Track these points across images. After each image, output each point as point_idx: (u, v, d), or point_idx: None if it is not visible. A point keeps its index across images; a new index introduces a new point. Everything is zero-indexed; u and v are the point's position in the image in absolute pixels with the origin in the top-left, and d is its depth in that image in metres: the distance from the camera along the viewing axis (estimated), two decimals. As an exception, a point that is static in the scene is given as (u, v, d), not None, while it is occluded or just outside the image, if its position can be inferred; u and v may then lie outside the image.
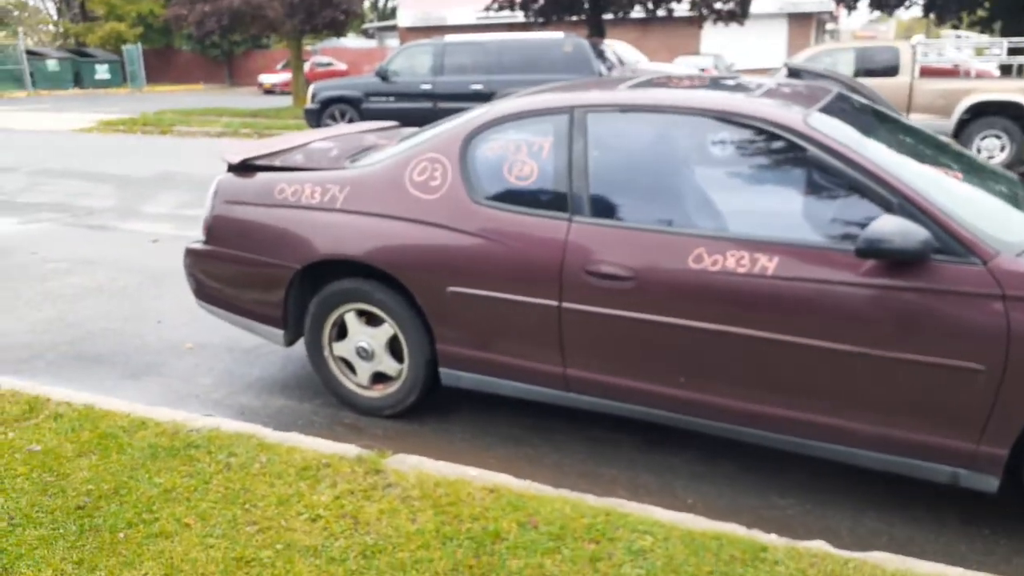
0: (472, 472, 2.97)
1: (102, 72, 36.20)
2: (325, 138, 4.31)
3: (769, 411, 2.82)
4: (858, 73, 10.62)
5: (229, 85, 41.52)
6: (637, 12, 18.00)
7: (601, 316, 2.98)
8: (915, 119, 10.17)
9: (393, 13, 46.09)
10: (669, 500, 2.95)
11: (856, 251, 2.53)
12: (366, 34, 47.51)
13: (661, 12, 18.07)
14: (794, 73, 4.23)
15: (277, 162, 3.80)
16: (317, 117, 13.63)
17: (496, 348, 3.27)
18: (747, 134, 2.92)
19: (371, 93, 13.33)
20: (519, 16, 19.29)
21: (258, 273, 3.63)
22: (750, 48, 28.52)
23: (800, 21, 30.19)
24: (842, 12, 16.85)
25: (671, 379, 2.96)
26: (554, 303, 3.05)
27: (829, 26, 33.34)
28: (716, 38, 28.45)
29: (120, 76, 36.69)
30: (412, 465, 3.00)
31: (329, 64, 35.21)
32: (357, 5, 20.30)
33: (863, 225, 2.56)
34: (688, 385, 2.93)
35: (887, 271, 2.56)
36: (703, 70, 23.73)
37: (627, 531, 2.56)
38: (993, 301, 2.43)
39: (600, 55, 12.88)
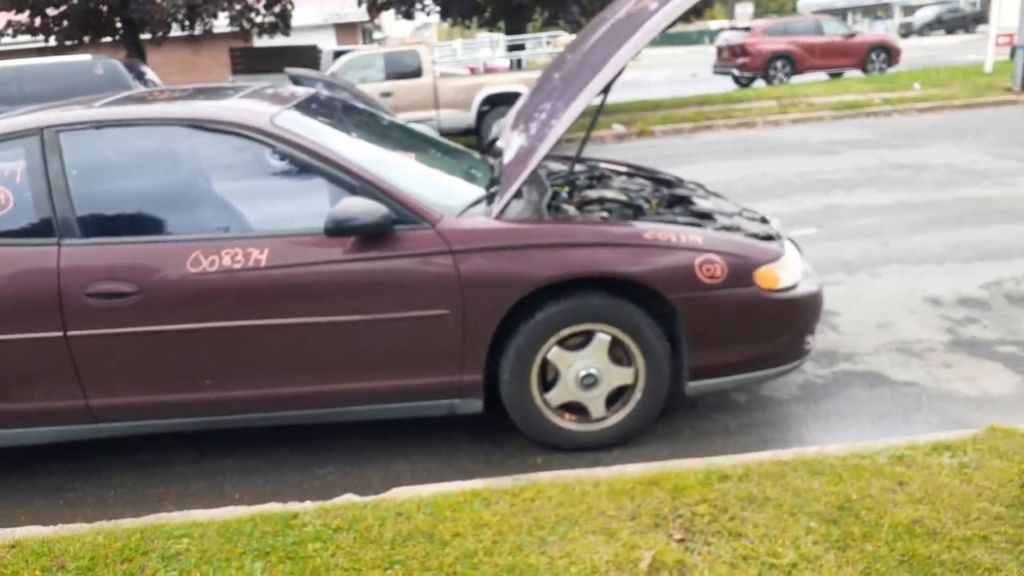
0: (-9, 535, 2.75)
1: None
2: None
3: (291, 391, 3.06)
4: (390, 76, 11.53)
5: None
6: (177, 30, 17.26)
7: (112, 337, 2.95)
8: (444, 114, 11.39)
9: None
10: (218, 500, 3.04)
11: (325, 231, 2.86)
12: None
13: (198, 30, 17.56)
14: (294, 80, 4.52)
15: None
16: None
17: (6, 396, 3.04)
18: (221, 138, 3.10)
19: None
20: (50, 40, 17.27)
21: None
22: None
23: (347, 30, 31.49)
24: (382, 19, 18.06)
25: (197, 384, 3.04)
26: (59, 334, 2.94)
27: (377, 35, 35.33)
28: (270, 52, 28.40)
29: None
30: (-88, 549, 2.68)
31: None
32: None
33: None
34: (215, 386, 3.04)
35: (361, 245, 2.93)
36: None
37: (163, 540, 2.60)
38: (444, 256, 2.93)
39: (140, 76, 12.18)
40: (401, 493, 2.82)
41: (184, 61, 27.21)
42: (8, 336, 2.95)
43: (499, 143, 4.21)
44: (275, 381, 3.06)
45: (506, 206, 3.03)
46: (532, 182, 3.49)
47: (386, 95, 11.10)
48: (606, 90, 3.27)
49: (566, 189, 3.63)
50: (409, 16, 15.93)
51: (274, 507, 2.79)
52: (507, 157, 3.43)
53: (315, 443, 3.42)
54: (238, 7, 17.14)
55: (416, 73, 11.56)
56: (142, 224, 3.05)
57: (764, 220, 3.60)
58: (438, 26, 41.85)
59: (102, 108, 3.23)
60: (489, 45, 18.05)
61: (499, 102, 11.43)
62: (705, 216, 3.41)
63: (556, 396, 3.11)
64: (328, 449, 3.38)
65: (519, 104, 4.57)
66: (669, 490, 2.63)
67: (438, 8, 15.46)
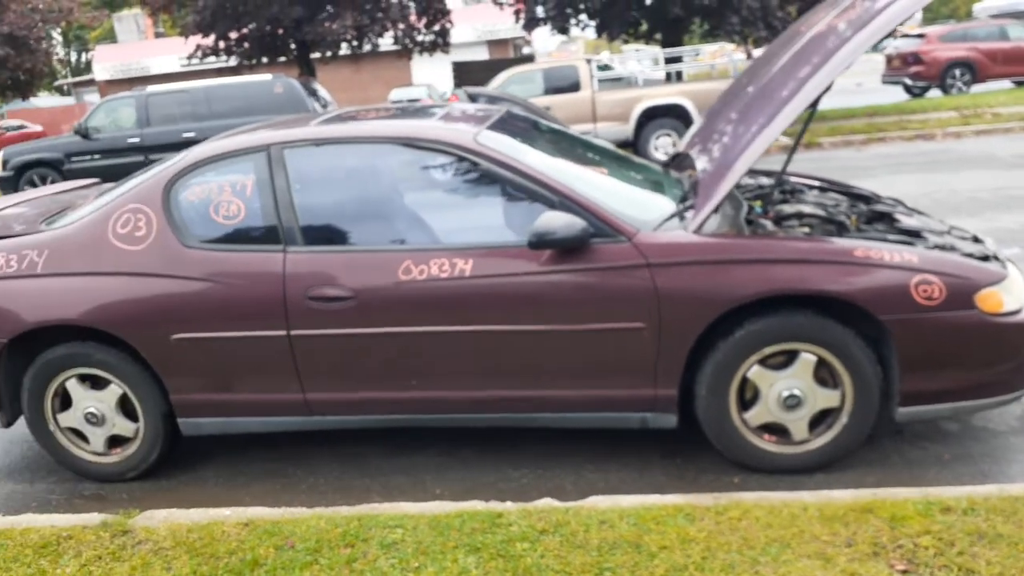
0: (226, 512, 3.01)
1: None
2: (14, 204, 4.09)
3: (489, 394, 3.17)
4: (548, 91, 11.72)
5: None
6: (345, 49, 18.30)
7: (330, 337, 3.17)
8: (602, 127, 11.43)
9: (88, 67, 42.68)
10: (420, 494, 3.19)
11: (528, 244, 2.95)
12: (61, 91, 43.52)
13: (367, 48, 18.51)
14: (471, 97, 4.72)
15: (-36, 236, 3.55)
16: (14, 184, 12.42)
17: (233, 388, 3.33)
18: (429, 155, 3.28)
19: (73, 153, 12.40)
20: (231, 60, 18.80)
21: (-42, 356, 3.37)
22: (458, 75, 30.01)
23: (498, 46, 32.37)
24: (534, 36, 18.50)
25: (404, 384, 3.21)
26: (283, 333, 3.18)
27: (525, 50, 36.03)
28: (427, 68, 29.60)
29: None
30: (162, 519, 2.98)
31: (21, 127, 31.69)
32: (41, 63, 18.57)
33: None
34: (419, 386, 3.21)
35: (559, 258, 3.00)
36: (414, 100, 24.60)
37: (379, 529, 2.76)
38: (641, 270, 2.96)
39: (313, 93, 13.00)
40: (600, 501, 2.86)
41: (346, 78, 28.75)
42: (237, 333, 3.23)
43: (687, 156, 4.19)
44: (474, 384, 3.18)
45: (705, 220, 3.02)
46: (726, 196, 3.46)
47: (546, 108, 11.28)
48: (814, 104, 3.19)
49: (759, 203, 3.57)
50: (564, 31, 16.12)
51: (478, 505, 2.90)
52: (700, 170, 3.42)
53: (505, 445, 3.52)
54: (402, 27, 17.94)
55: (575, 87, 11.69)
56: (357, 234, 3.26)
57: (977, 239, 3.40)
58: (585, 40, 41.94)
59: (320, 126, 3.48)
60: (636, 58, 17.96)
61: (657, 115, 11.38)
62: (914, 234, 3.26)
63: (755, 416, 3.06)
64: (519, 452, 3.47)
65: (705, 116, 4.54)
66: (886, 519, 2.53)
67: (593, 23, 15.54)
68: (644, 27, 15.25)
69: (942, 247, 3.08)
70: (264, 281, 3.19)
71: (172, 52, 30.61)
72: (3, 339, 3.31)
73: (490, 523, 2.74)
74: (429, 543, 2.65)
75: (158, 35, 41.15)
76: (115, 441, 3.49)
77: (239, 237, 3.28)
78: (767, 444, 3.08)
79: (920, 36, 17.87)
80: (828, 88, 3.03)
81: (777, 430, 3.08)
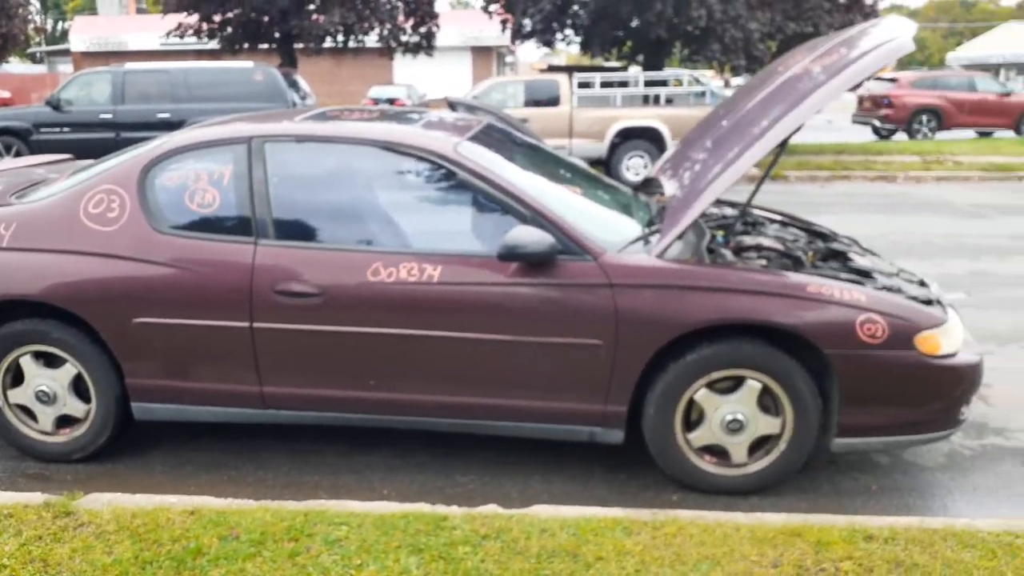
0: (172, 499, 3.03)
1: None
2: (-17, 176, 4.06)
3: (445, 400, 3.24)
4: (528, 103, 11.83)
5: None
6: (329, 43, 18.25)
7: (293, 332, 3.21)
8: (576, 143, 11.57)
9: (64, 36, 41.99)
10: (367, 494, 3.23)
11: (498, 256, 3.03)
12: (33, 59, 42.75)
13: (352, 44, 18.48)
14: (451, 106, 4.78)
15: (-74, 205, 3.53)
16: (-24, 152, 12.17)
17: (190, 375, 3.34)
18: (408, 161, 3.33)
19: (42, 124, 12.20)
20: (210, 44, 18.63)
21: (-89, 325, 3.35)
22: (440, 78, 30.10)
23: (482, 54, 32.53)
24: (518, 46, 18.64)
25: (363, 383, 3.26)
26: (245, 324, 3.21)
27: (508, 59, 36.26)
28: (408, 69, 29.62)
29: None
30: (106, 502, 2.99)
31: (-13, 92, 31.14)
32: (18, 29, 18.27)
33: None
34: (378, 387, 3.25)
35: (526, 271, 3.08)
36: (394, 101, 24.57)
37: (324, 526, 2.80)
38: (603, 289, 3.05)
39: (293, 84, 12.98)
40: (543, 510, 2.93)
41: (327, 71, 28.71)
42: (200, 322, 3.25)
43: (657, 180, 4.30)
44: (432, 389, 3.24)
45: (669, 246, 3.12)
46: (691, 224, 3.57)
47: (523, 121, 11.39)
48: (783, 143, 3.31)
49: (722, 233, 3.69)
50: (549, 45, 16.28)
51: (424, 507, 2.95)
52: (669, 196, 3.53)
53: (454, 451, 3.58)
54: (388, 27, 17.95)
55: (554, 102, 11.82)
56: (330, 232, 3.30)
57: (923, 283, 3.55)
58: (568, 55, 42.34)
59: (304, 123, 3.52)
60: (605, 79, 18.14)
61: (632, 136, 11.55)
62: (864, 274, 3.40)
63: (699, 437, 3.16)
64: (467, 458, 3.54)
65: (679, 144, 4.66)
66: (812, 543, 2.64)
67: (578, 39, 15.73)
68: (627, 47, 15.47)
69: (889, 288, 3.22)
70: (232, 271, 3.22)
71: (152, 29, 30.21)
72: (-40, 310, 3.30)
73: (434, 525, 2.80)
74: (373, 542, 2.70)
75: (140, 11, 40.65)
76: (64, 421, 3.49)
77: (211, 226, 3.30)
78: (707, 465, 3.18)
79: (892, 80, 18.36)
80: (798, 128, 3.16)
81: (718, 452, 3.19)
